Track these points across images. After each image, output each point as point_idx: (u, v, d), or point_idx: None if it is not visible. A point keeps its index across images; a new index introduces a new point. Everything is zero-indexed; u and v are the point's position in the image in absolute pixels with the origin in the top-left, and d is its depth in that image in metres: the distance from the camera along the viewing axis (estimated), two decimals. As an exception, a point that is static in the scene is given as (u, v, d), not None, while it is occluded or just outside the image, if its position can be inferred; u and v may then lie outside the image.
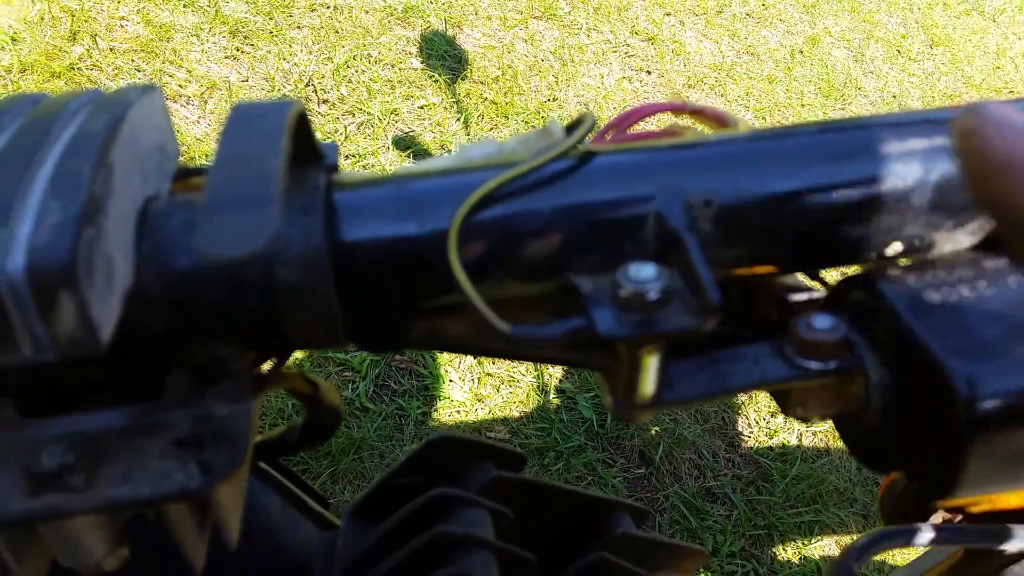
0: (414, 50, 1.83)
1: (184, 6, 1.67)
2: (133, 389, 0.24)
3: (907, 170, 0.24)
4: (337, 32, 1.78)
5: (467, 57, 1.85)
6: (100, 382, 0.24)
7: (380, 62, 1.76)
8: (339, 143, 1.55)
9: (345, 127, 1.62)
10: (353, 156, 1.58)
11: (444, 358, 1.41)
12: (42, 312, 0.19)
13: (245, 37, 1.69)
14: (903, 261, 0.25)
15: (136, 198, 0.23)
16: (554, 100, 1.86)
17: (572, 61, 1.97)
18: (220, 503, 0.23)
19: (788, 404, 0.25)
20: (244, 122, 0.22)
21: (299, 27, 1.76)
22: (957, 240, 0.25)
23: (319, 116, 1.63)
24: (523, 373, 1.43)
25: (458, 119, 1.72)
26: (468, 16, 1.96)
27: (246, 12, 1.74)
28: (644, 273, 0.22)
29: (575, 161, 0.25)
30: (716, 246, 0.24)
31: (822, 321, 0.24)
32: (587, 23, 2.08)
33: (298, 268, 0.23)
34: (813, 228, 0.24)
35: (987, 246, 0.25)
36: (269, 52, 1.69)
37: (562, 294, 0.24)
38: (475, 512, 0.36)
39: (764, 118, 2.06)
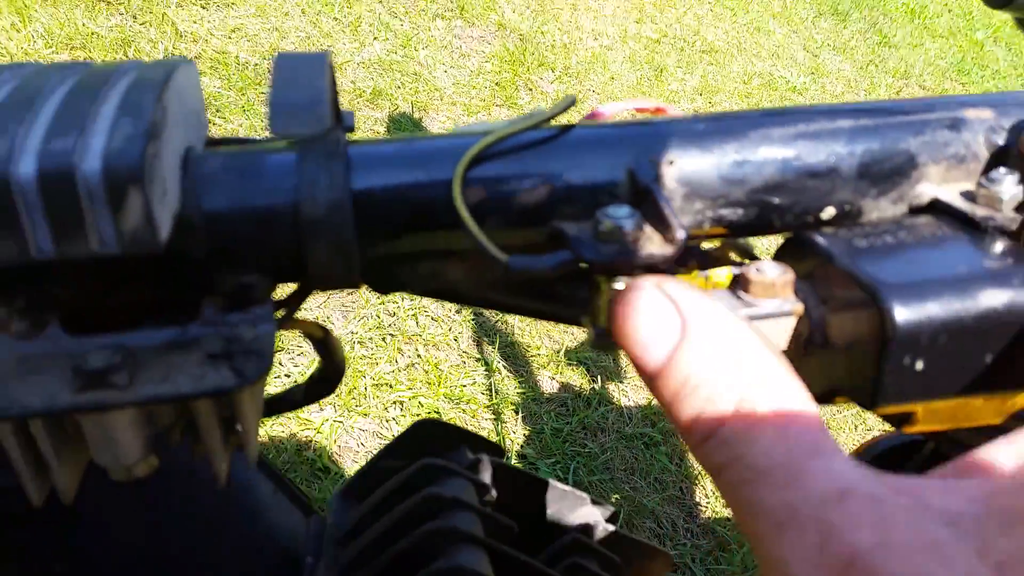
0: (382, 129, 1.91)
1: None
2: (170, 312, 0.27)
3: (837, 146, 0.29)
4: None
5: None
6: (139, 305, 0.27)
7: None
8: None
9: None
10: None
11: (405, 423, 1.41)
12: (113, 208, 0.22)
13: (217, 110, 1.75)
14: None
15: (181, 142, 0.27)
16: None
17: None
18: (245, 411, 0.26)
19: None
20: (290, 61, 0.26)
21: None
22: (882, 208, 0.30)
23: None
24: (488, 433, 1.44)
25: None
26: (434, 101, 2.06)
27: (219, 87, 1.80)
28: (620, 212, 0.26)
29: (560, 130, 0.29)
30: (679, 201, 0.28)
31: (770, 266, 0.28)
32: (547, 111, 2.20)
33: (324, 206, 0.26)
34: (757, 192, 0.29)
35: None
36: (240, 126, 1.75)
37: (549, 241, 0.28)
38: (461, 481, 0.39)
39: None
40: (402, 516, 0.37)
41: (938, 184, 0.30)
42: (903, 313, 0.24)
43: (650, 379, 0.23)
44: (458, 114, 2.05)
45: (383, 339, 1.44)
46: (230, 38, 1.96)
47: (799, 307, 0.28)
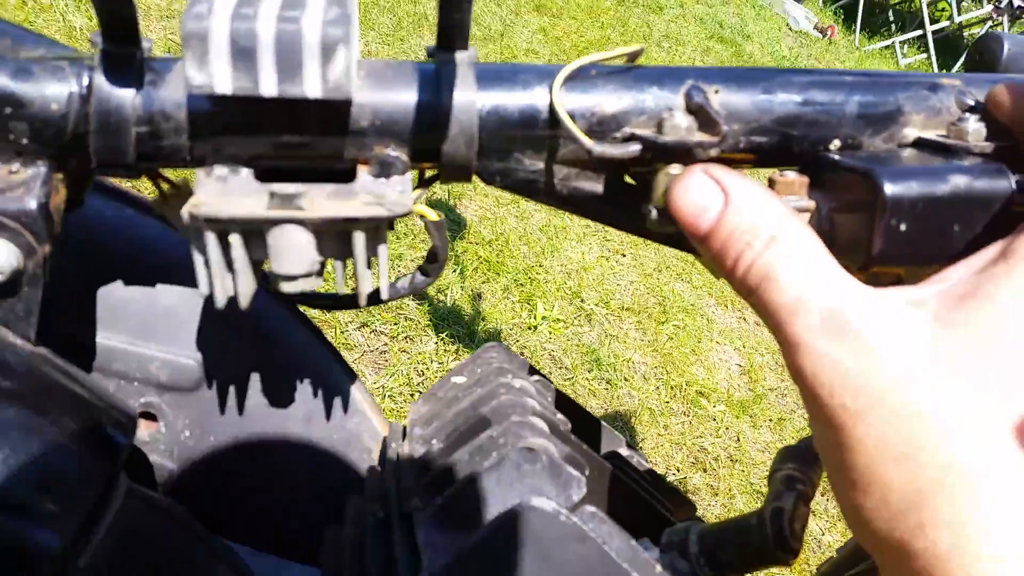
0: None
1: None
2: (336, 175, 0.36)
3: (841, 94, 0.38)
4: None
5: (465, 223, 2.07)
6: (310, 171, 0.36)
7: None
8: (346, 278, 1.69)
9: (352, 265, 1.77)
10: (357, 289, 1.71)
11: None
12: (324, 60, 0.31)
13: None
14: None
15: (357, 50, 0.36)
16: (540, 266, 2.05)
17: (557, 237, 2.19)
18: (384, 246, 0.34)
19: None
20: None
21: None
22: (876, 144, 0.39)
23: (329, 255, 1.79)
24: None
25: (455, 271, 1.89)
26: (467, 191, 2.20)
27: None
28: (678, 115, 0.35)
29: (633, 66, 0.38)
30: (719, 119, 0.37)
31: (791, 173, 0.37)
32: (572, 209, 2.34)
33: (459, 106, 0.36)
34: (780, 122, 0.38)
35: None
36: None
37: (624, 142, 0.37)
38: (526, 384, 0.46)
39: (727, 305, 2.26)
40: (472, 401, 0.44)
41: (920, 129, 0.39)
42: (891, 187, 0.33)
43: (701, 240, 0.31)
44: (489, 205, 2.19)
45: (412, 394, 1.51)
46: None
47: (811, 204, 0.36)
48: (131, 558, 0.37)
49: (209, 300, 0.43)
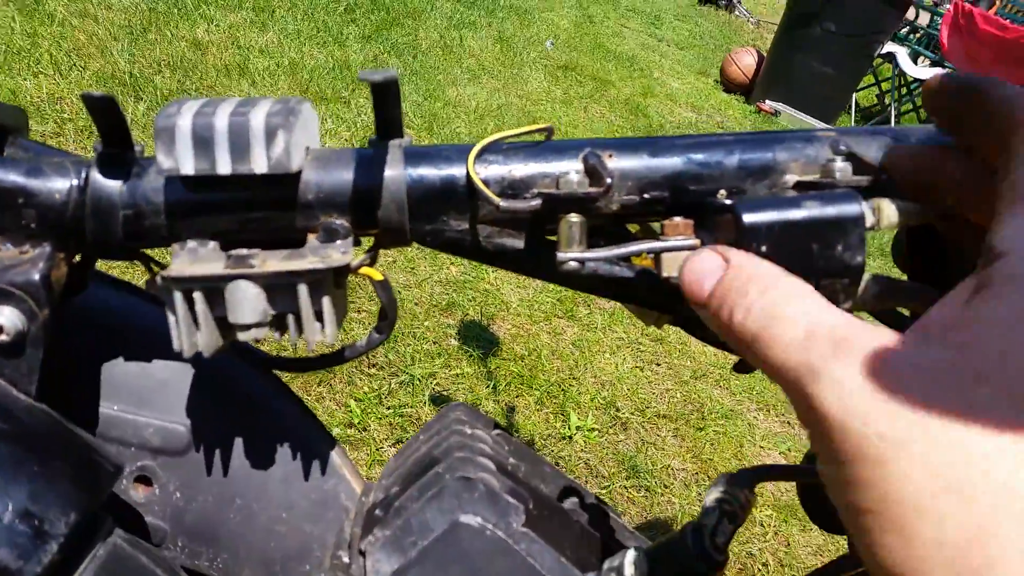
0: (453, 332, 2.11)
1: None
2: (286, 242, 0.42)
3: (721, 152, 0.44)
4: (388, 315, 2.09)
5: (498, 340, 2.13)
6: (267, 240, 0.43)
7: (424, 339, 2.04)
8: (382, 397, 1.76)
9: (390, 385, 1.83)
10: (395, 406, 1.77)
11: None
12: (267, 142, 0.38)
13: (311, 313, 2.00)
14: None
15: (304, 139, 0.44)
16: (573, 379, 2.08)
17: (589, 350, 2.23)
18: (329, 297, 0.40)
19: (662, 268, 0.42)
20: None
21: (358, 311, 2.08)
22: (759, 191, 0.44)
23: (368, 377, 1.86)
24: None
25: (488, 386, 1.93)
26: (500, 311, 2.28)
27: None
28: (571, 175, 0.41)
29: (541, 141, 0.45)
30: (617, 180, 0.43)
31: (678, 218, 0.42)
32: (603, 323, 2.39)
33: (392, 182, 0.42)
34: (668, 179, 0.44)
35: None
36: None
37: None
38: (483, 434, 0.50)
39: (768, 410, 2.24)
40: (425, 453, 0.48)
41: (799, 175, 0.44)
42: (749, 216, 0.38)
43: (705, 302, 0.33)
44: (522, 323, 2.26)
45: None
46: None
47: (697, 241, 0.41)
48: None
49: (184, 357, 0.49)
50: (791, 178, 0.44)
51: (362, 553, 0.44)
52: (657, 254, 0.42)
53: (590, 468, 1.82)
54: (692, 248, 0.41)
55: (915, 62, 6.58)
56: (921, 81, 6.05)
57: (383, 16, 3.93)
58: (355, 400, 1.75)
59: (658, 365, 2.30)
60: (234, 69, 2.90)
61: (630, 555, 0.44)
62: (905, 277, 0.48)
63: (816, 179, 0.43)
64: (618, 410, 2.03)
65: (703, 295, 0.32)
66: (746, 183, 0.44)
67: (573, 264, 0.42)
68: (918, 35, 7.05)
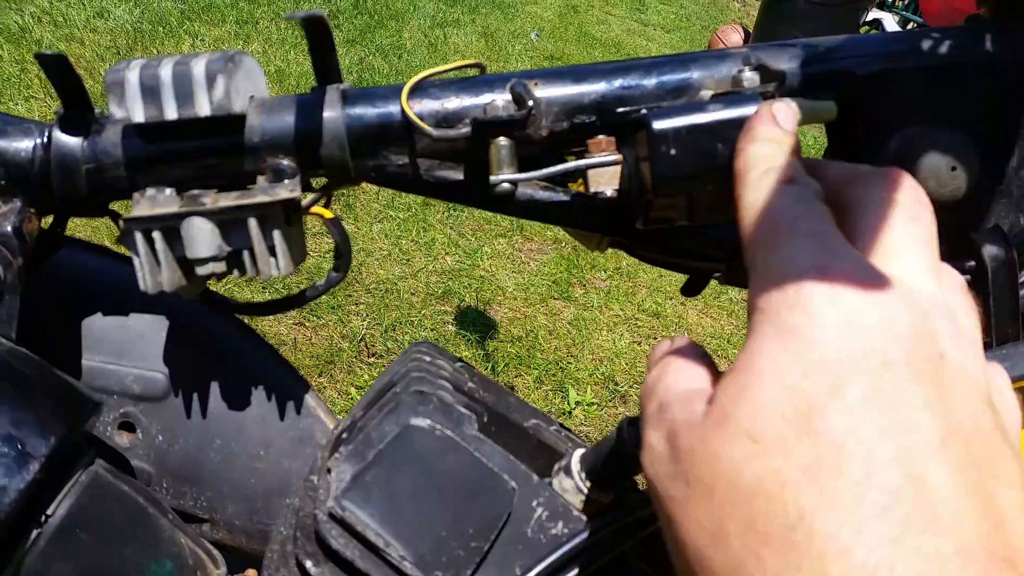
0: (450, 319, 2.15)
1: (263, 287, 2.05)
2: (239, 185, 0.46)
3: (638, 74, 0.47)
4: (387, 306, 2.13)
5: (496, 324, 2.16)
6: (220, 184, 0.46)
7: (422, 326, 2.08)
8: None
9: (387, 372, 1.87)
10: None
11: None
12: (208, 87, 0.42)
13: (311, 309, 2.03)
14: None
15: (247, 89, 0.47)
16: (571, 356, 2.11)
17: (586, 329, 2.26)
18: (280, 229, 0.43)
19: (589, 184, 0.45)
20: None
21: (356, 303, 2.11)
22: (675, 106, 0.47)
23: (368, 366, 1.89)
24: None
25: (487, 367, 1.96)
26: (497, 296, 2.31)
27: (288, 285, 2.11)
28: (498, 102, 0.44)
29: (474, 76, 0.48)
30: (543, 107, 0.46)
31: (601, 136, 0.45)
32: (599, 302, 2.42)
33: (332, 123, 0.45)
34: (594, 101, 0.46)
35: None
36: (329, 320, 2.02)
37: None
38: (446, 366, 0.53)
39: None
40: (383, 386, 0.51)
41: (714, 90, 0.47)
42: (658, 123, 0.40)
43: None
44: (519, 306, 2.29)
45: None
46: (325, 257, 2.31)
47: (619, 156, 0.44)
48: (100, 519, 0.44)
49: (163, 309, 0.52)
50: (706, 93, 0.47)
51: (328, 471, 0.47)
52: (584, 172, 0.45)
53: (590, 440, 1.85)
54: (615, 163, 0.44)
55: (904, 27, 6.58)
56: (911, 48, 6.02)
57: (366, 20, 3.96)
58: (355, 388, 1.79)
59: (655, 339, 2.32)
60: (221, 79, 2.94)
61: (576, 453, 0.47)
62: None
63: (728, 91, 0.46)
64: (616, 384, 2.05)
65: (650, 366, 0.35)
66: (665, 101, 0.47)
67: (505, 186, 0.45)
68: (904, 0, 7.04)
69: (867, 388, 0.24)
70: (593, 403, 1.97)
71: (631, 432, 0.44)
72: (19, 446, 0.40)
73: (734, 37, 5.83)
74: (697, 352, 0.33)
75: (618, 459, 0.45)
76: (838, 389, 0.24)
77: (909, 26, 6.81)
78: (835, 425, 0.23)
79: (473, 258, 2.47)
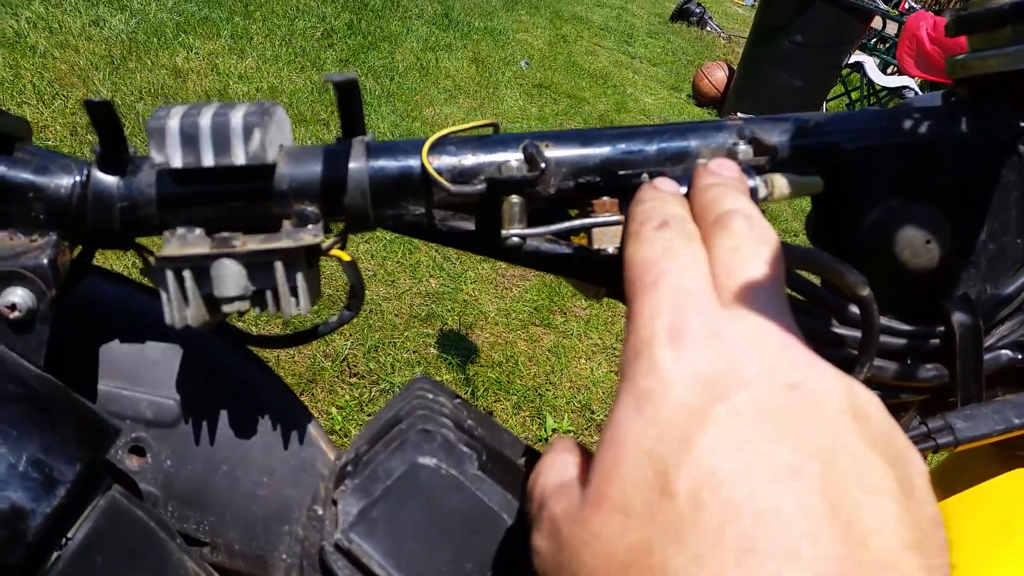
0: (432, 342, 2.17)
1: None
2: (265, 228, 0.48)
3: (641, 141, 0.50)
4: (371, 326, 2.15)
5: (476, 348, 2.19)
6: (247, 226, 0.49)
7: (404, 348, 2.10)
8: (363, 404, 1.81)
9: (371, 392, 1.89)
10: (373, 413, 1.82)
11: None
12: (245, 138, 0.45)
13: (294, 327, 2.05)
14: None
15: (279, 138, 0.50)
16: (549, 384, 2.15)
17: (565, 357, 2.29)
18: (303, 273, 0.46)
19: (593, 241, 0.48)
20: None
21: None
22: (676, 173, 0.51)
23: (349, 385, 1.91)
24: None
25: (466, 391, 1.99)
26: (479, 321, 2.34)
27: (299, 319, 2.12)
28: (512, 162, 0.48)
29: (489, 134, 0.51)
30: (552, 167, 0.49)
31: (605, 197, 0.49)
32: (579, 330, 2.46)
33: (356, 173, 0.48)
34: (599, 165, 0.50)
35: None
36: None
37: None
38: (446, 403, 0.56)
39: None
40: (386, 423, 0.54)
41: (710, 158, 0.50)
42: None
43: None
44: (500, 331, 2.32)
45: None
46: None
47: (621, 217, 0.48)
48: (115, 542, 0.47)
49: (178, 337, 0.55)
50: (703, 161, 0.51)
51: (334, 503, 0.49)
52: (588, 230, 0.49)
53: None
54: (618, 223, 0.48)
55: (884, 71, 6.76)
56: (890, 89, 6.23)
57: (360, 40, 4.01)
58: (336, 408, 1.81)
59: (633, 369, 2.36)
60: (214, 95, 2.96)
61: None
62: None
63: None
64: (593, 412, 2.09)
65: None
66: (665, 167, 0.50)
67: (515, 240, 0.48)
68: (886, 45, 7.24)
69: (715, 438, 0.24)
70: (569, 430, 2.00)
71: None
72: (47, 471, 0.42)
73: (718, 74, 5.96)
74: (566, 446, 0.34)
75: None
76: (688, 444, 0.24)
77: (889, 69, 6.99)
78: (688, 480, 0.24)
79: (457, 282, 2.50)
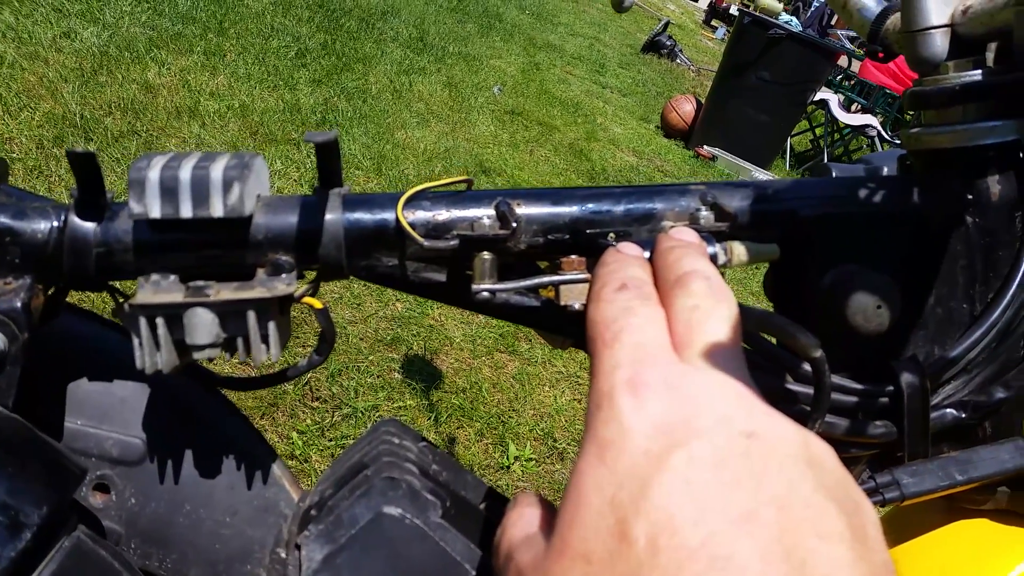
0: (397, 367, 2.17)
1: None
2: (239, 276, 0.49)
3: (609, 202, 0.52)
4: (335, 350, 2.14)
5: (441, 374, 2.19)
6: (221, 273, 0.49)
7: (368, 373, 2.09)
8: (324, 429, 1.80)
9: (332, 417, 1.88)
10: (337, 438, 1.81)
11: None
12: (224, 191, 0.46)
13: (257, 348, 2.03)
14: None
15: (256, 188, 0.51)
16: (513, 411, 2.16)
17: (529, 384, 2.31)
18: (274, 323, 0.47)
19: (561, 297, 0.50)
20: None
21: (303, 345, 2.12)
22: (642, 233, 0.53)
23: (311, 410, 1.90)
24: None
25: (429, 417, 1.99)
26: (444, 346, 2.34)
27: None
28: (484, 220, 0.49)
29: (462, 190, 0.53)
30: (523, 224, 0.51)
31: (573, 256, 0.50)
32: (543, 357, 2.47)
33: (331, 224, 0.50)
34: (568, 223, 0.52)
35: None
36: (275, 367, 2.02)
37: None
38: (410, 446, 0.57)
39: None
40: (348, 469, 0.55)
41: (673, 221, 0.53)
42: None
43: None
44: (465, 357, 2.33)
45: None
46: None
47: (588, 275, 0.50)
48: (77, 584, 0.47)
49: (145, 377, 0.55)
50: (667, 224, 0.53)
51: (298, 547, 0.50)
52: (556, 286, 0.50)
53: (529, 498, 1.89)
54: (584, 281, 0.50)
55: (848, 109, 6.95)
56: (852, 127, 6.41)
57: (334, 61, 4.02)
58: (297, 432, 1.79)
59: (596, 399, 2.38)
60: (185, 111, 2.95)
61: (532, 543, 0.51)
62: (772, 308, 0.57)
63: (685, 225, 0.52)
64: (555, 441, 2.10)
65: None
66: (632, 227, 0.52)
67: (485, 294, 0.49)
68: (851, 82, 7.44)
69: (673, 483, 0.25)
70: (531, 459, 2.01)
71: None
72: (12, 514, 0.42)
73: (687, 107, 6.08)
74: (530, 500, 0.36)
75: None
76: (647, 491, 0.25)
77: (853, 106, 7.19)
78: (646, 526, 0.24)
79: (423, 306, 2.50)
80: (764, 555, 0.23)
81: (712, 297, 0.34)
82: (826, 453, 0.28)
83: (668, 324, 0.33)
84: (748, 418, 0.27)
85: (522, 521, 0.34)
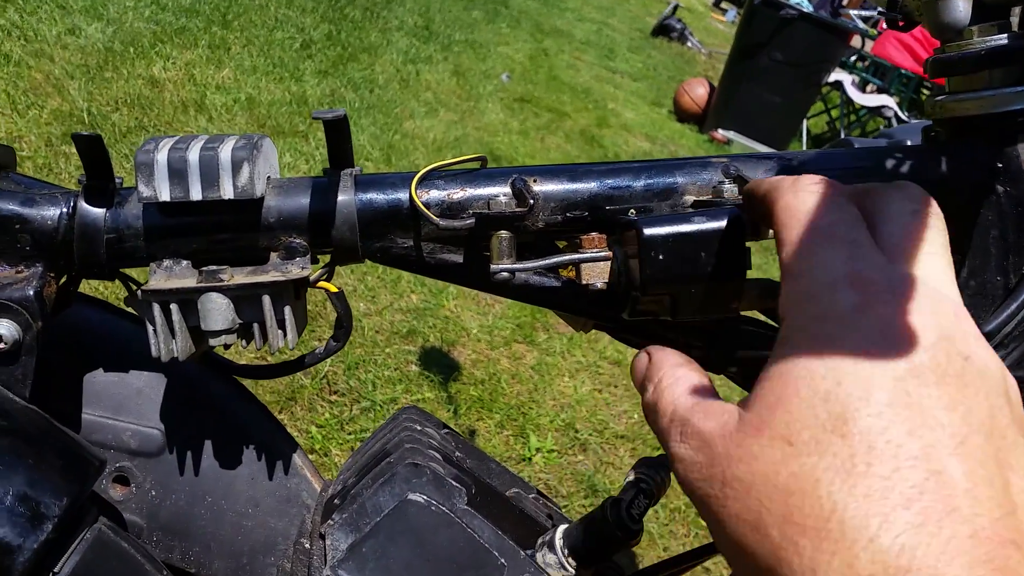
0: (414, 359, 2.16)
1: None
2: (252, 260, 0.48)
3: (629, 177, 0.51)
4: (351, 343, 2.13)
5: (459, 366, 2.18)
6: (234, 258, 0.48)
7: (385, 366, 2.09)
8: (343, 423, 1.80)
9: (351, 411, 1.87)
10: (356, 432, 1.81)
11: None
12: (234, 173, 0.45)
13: (273, 342, 2.03)
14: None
15: (266, 170, 0.50)
16: (533, 402, 2.14)
17: (548, 375, 2.30)
18: (290, 307, 0.46)
19: (582, 276, 0.49)
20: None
21: (320, 339, 2.12)
22: (663, 208, 0.51)
23: (329, 403, 1.90)
24: None
25: (449, 409, 1.98)
26: (461, 338, 2.33)
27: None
28: (500, 198, 0.48)
29: (476, 168, 0.52)
30: (540, 202, 0.50)
31: (594, 233, 0.49)
32: (561, 348, 2.46)
33: (344, 206, 0.49)
34: (586, 200, 0.50)
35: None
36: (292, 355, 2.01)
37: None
38: (433, 433, 0.56)
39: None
40: (373, 455, 0.54)
41: (695, 196, 0.51)
42: (648, 230, 0.44)
43: (640, 390, 0.37)
44: (482, 349, 2.32)
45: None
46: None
47: (609, 253, 0.48)
48: (101, 574, 0.46)
49: (161, 366, 0.54)
50: (689, 198, 0.51)
51: (322, 537, 0.49)
52: (577, 265, 0.49)
53: (549, 488, 1.88)
54: (606, 259, 0.48)
55: (863, 89, 6.86)
56: (868, 108, 6.33)
57: (339, 52, 4.01)
58: (316, 426, 1.79)
59: (615, 387, 2.37)
60: (191, 105, 2.94)
61: (560, 529, 0.50)
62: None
63: (709, 198, 0.50)
64: (577, 431, 2.09)
65: (638, 384, 0.38)
66: (652, 203, 0.51)
67: (504, 275, 0.48)
68: (866, 63, 7.34)
69: (895, 392, 0.27)
70: (553, 450, 2.00)
71: (615, 512, 0.48)
72: (34, 506, 0.42)
73: (700, 90, 6.02)
74: (677, 360, 0.36)
75: (600, 538, 0.48)
76: (869, 393, 0.27)
77: (868, 87, 7.10)
78: (865, 427, 0.26)
79: (438, 298, 2.49)
80: (972, 476, 0.25)
81: (929, 206, 0.34)
82: (1015, 389, 0.29)
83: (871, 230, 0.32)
84: (964, 340, 0.28)
85: (684, 382, 0.34)
